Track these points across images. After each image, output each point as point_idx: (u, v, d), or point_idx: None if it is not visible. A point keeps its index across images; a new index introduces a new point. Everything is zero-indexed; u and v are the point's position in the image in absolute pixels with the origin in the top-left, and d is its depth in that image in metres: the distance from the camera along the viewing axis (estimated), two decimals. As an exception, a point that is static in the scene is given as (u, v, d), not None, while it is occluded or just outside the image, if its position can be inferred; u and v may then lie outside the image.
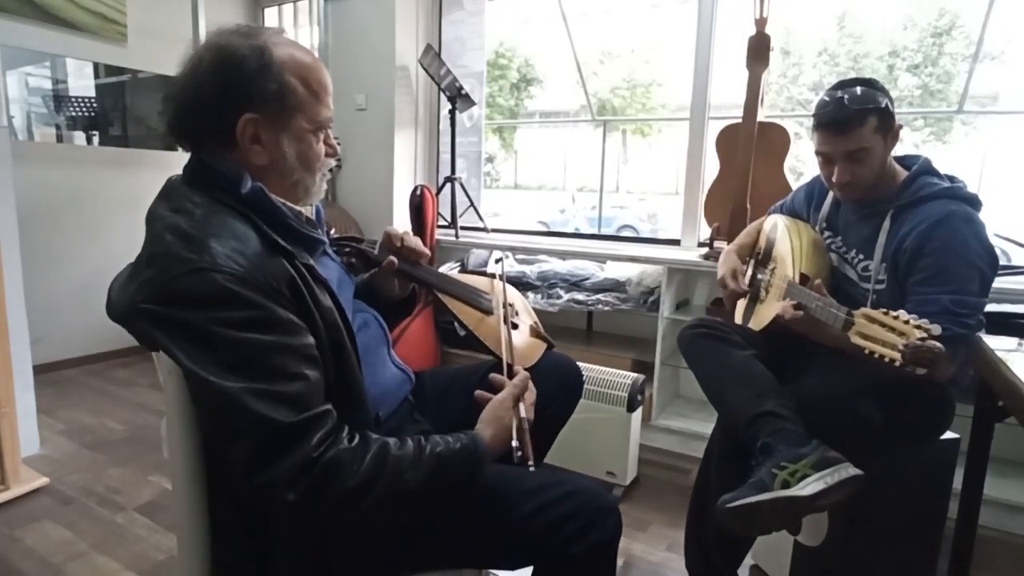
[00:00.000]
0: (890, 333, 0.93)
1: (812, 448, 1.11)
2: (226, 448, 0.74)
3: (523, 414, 0.93)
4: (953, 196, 1.25)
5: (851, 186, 1.31)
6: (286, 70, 0.82)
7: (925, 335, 0.88)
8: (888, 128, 1.27)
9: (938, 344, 0.88)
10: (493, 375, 1.02)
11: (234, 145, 0.82)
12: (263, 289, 0.73)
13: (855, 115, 1.24)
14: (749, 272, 1.64)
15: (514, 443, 0.89)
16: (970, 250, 1.18)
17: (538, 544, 0.90)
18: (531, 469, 0.87)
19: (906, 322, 0.92)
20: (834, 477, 1.07)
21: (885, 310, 0.96)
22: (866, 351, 0.96)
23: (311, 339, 0.78)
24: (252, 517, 0.82)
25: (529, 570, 0.96)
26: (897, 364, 0.91)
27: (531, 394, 0.99)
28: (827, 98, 1.28)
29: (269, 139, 0.83)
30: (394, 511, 0.80)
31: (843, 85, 1.29)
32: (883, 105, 1.24)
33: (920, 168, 1.31)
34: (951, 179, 1.29)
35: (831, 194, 1.46)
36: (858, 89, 1.25)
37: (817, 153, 1.34)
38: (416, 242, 1.14)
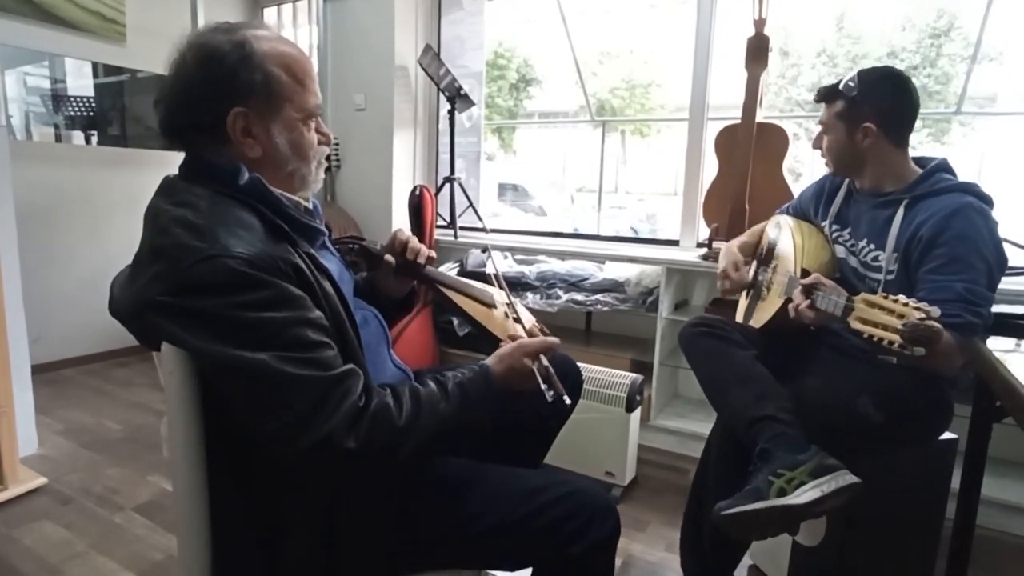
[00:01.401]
0: (889, 316, 0.93)
1: (810, 455, 1.11)
2: (270, 418, 0.74)
3: (544, 362, 0.95)
4: (968, 191, 1.25)
5: (824, 153, 1.43)
6: (268, 60, 0.83)
7: (924, 315, 0.88)
8: (850, 120, 1.33)
9: (937, 324, 0.88)
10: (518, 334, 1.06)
11: (227, 141, 0.83)
12: (273, 270, 0.75)
13: (829, 92, 1.38)
14: (752, 271, 1.64)
15: (543, 386, 0.91)
16: (983, 243, 1.18)
17: (537, 544, 0.90)
18: (567, 402, 0.92)
19: (905, 304, 0.92)
20: (831, 485, 1.07)
21: (885, 294, 0.96)
22: (865, 335, 0.96)
23: (320, 313, 0.79)
24: (253, 517, 0.82)
25: (528, 570, 0.96)
26: (896, 346, 0.91)
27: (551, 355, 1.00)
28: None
29: (260, 131, 0.84)
30: (437, 439, 0.83)
31: (860, 72, 1.35)
32: (852, 96, 1.33)
33: (937, 165, 1.32)
34: (966, 181, 1.30)
35: (843, 188, 1.48)
36: (862, 75, 1.33)
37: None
38: (421, 247, 1.14)
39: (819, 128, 1.42)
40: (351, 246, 1.11)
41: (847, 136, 1.35)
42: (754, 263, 1.63)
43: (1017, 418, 1.00)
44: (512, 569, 0.99)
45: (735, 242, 1.65)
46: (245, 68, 0.81)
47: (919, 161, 1.38)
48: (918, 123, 1.36)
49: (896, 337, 0.90)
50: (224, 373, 0.74)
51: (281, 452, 0.74)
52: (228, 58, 0.81)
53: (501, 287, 1.21)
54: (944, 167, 1.32)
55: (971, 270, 1.15)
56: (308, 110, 0.88)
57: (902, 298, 0.93)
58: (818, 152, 1.45)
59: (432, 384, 0.86)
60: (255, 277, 0.72)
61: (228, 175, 0.81)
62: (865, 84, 1.32)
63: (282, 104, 0.85)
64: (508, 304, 1.21)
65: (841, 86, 1.35)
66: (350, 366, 0.78)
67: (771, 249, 1.56)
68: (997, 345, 1.20)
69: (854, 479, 1.08)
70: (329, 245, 1.00)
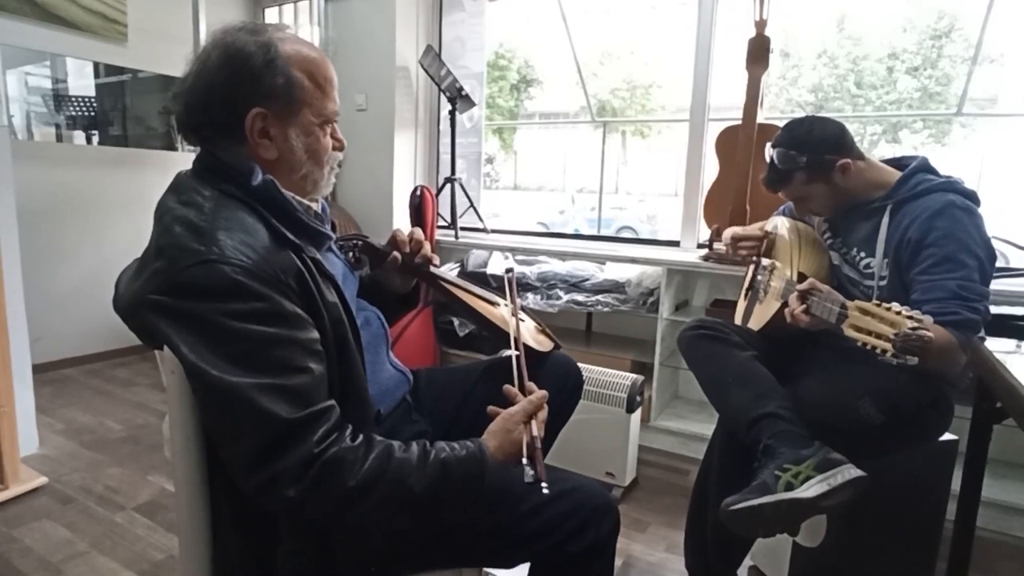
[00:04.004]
0: (882, 324, 0.93)
1: (814, 450, 1.12)
2: (227, 445, 0.74)
3: (535, 432, 0.86)
4: (951, 189, 1.25)
5: (818, 213, 1.46)
6: (292, 65, 0.83)
7: (916, 324, 0.89)
8: (822, 174, 1.34)
9: (928, 332, 0.88)
10: (507, 387, 0.93)
11: (243, 140, 0.83)
12: (270, 281, 0.74)
13: (781, 176, 1.38)
14: (750, 274, 1.64)
15: (524, 461, 0.81)
16: (971, 239, 1.18)
17: (536, 542, 0.90)
18: (544, 492, 0.79)
19: (898, 312, 0.92)
20: (837, 479, 1.07)
21: (878, 302, 0.97)
22: (859, 343, 0.96)
23: (316, 333, 0.78)
24: (254, 517, 0.82)
25: (525, 568, 0.96)
26: (889, 355, 0.91)
27: (544, 412, 0.91)
28: (767, 156, 1.40)
29: (278, 133, 0.84)
30: (395, 516, 0.78)
31: (778, 140, 1.38)
32: (803, 164, 1.33)
33: (917, 166, 1.32)
34: (948, 177, 1.30)
35: None
36: (783, 150, 1.35)
37: None
38: (424, 245, 1.14)
39: (794, 202, 1.46)
40: (355, 243, 1.11)
41: (829, 188, 1.36)
42: (751, 267, 1.63)
43: (1018, 419, 1.00)
44: (509, 567, 0.99)
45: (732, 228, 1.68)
46: (269, 70, 0.81)
47: (897, 162, 1.38)
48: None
49: (888, 346, 0.91)
50: (198, 386, 0.73)
51: (232, 478, 0.74)
52: (253, 59, 0.81)
53: (511, 290, 1.20)
54: (924, 167, 1.32)
55: (963, 267, 1.16)
56: (326, 116, 0.88)
57: (895, 306, 0.93)
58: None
59: (414, 450, 0.79)
60: (250, 287, 0.72)
61: (241, 175, 0.81)
62: (803, 143, 1.34)
63: (301, 108, 0.85)
64: (512, 305, 1.21)
65: (782, 163, 1.36)
66: (324, 404, 0.75)
67: (769, 250, 1.56)
68: (998, 346, 1.20)
69: (860, 473, 1.08)
70: (334, 248, 1.00)
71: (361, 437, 0.77)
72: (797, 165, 1.34)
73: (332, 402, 0.77)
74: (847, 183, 1.34)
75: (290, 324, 0.75)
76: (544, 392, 0.92)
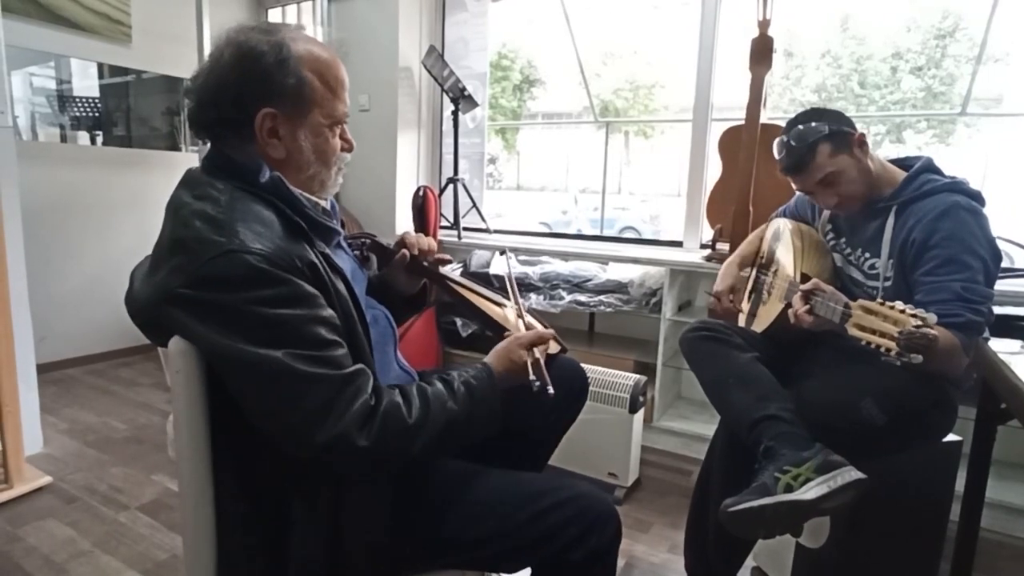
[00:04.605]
0: (886, 323, 0.93)
1: (815, 452, 1.11)
2: (283, 417, 0.75)
3: (537, 356, 0.94)
4: (957, 190, 1.25)
5: (843, 205, 1.37)
6: (303, 65, 0.84)
7: (920, 323, 0.88)
8: (845, 145, 1.31)
9: (932, 331, 0.88)
10: (531, 321, 1.06)
11: (252, 138, 0.84)
12: (289, 268, 0.76)
13: (805, 152, 1.32)
14: (752, 276, 1.64)
15: (531, 377, 0.89)
16: (976, 240, 1.18)
17: (537, 549, 0.90)
18: (550, 392, 0.88)
19: (902, 311, 0.92)
20: (837, 481, 1.07)
21: (882, 300, 0.97)
22: (863, 342, 0.96)
23: (333, 312, 0.80)
24: (257, 518, 0.82)
25: (527, 572, 0.97)
26: (893, 353, 0.91)
27: (544, 347, 0.99)
28: (779, 147, 1.37)
29: (287, 133, 0.85)
30: (448, 440, 0.84)
31: (788, 128, 1.35)
32: (826, 132, 1.30)
33: (922, 166, 1.32)
34: (953, 178, 1.29)
35: None
36: (799, 127, 1.33)
37: (799, 191, 1.43)
38: (432, 243, 1.15)
39: (820, 188, 1.34)
40: (364, 241, 1.12)
41: (855, 162, 1.31)
42: (754, 269, 1.63)
43: (1022, 421, 1.00)
44: (512, 572, 1.00)
45: (735, 257, 1.65)
46: (280, 70, 0.82)
47: (902, 162, 1.37)
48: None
49: (893, 345, 0.91)
50: (238, 370, 0.75)
51: (294, 450, 0.75)
52: (264, 59, 0.82)
53: (513, 291, 1.21)
54: (929, 167, 1.32)
55: (967, 269, 1.16)
56: (336, 117, 0.89)
57: (899, 305, 0.93)
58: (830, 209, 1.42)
59: (439, 383, 0.86)
60: (272, 273, 0.74)
61: (249, 172, 0.82)
62: (820, 118, 1.32)
63: (311, 109, 0.86)
64: (518, 306, 1.21)
65: (802, 140, 1.30)
66: (360, 366, 0.79)
67: (771, 253, 1.56)
68: (1002, 347, 1.20)
69: (860, 475, 1.08)
70: (343, 244, 1.01)
71: (395, 388, 0.83)
72: (820, 135, 1.30)
73: (362, 365, 0.80)
74: (867, 162, 1.32)
75: (314, 304, 0.77)
76: (550, 331, 1.02)
